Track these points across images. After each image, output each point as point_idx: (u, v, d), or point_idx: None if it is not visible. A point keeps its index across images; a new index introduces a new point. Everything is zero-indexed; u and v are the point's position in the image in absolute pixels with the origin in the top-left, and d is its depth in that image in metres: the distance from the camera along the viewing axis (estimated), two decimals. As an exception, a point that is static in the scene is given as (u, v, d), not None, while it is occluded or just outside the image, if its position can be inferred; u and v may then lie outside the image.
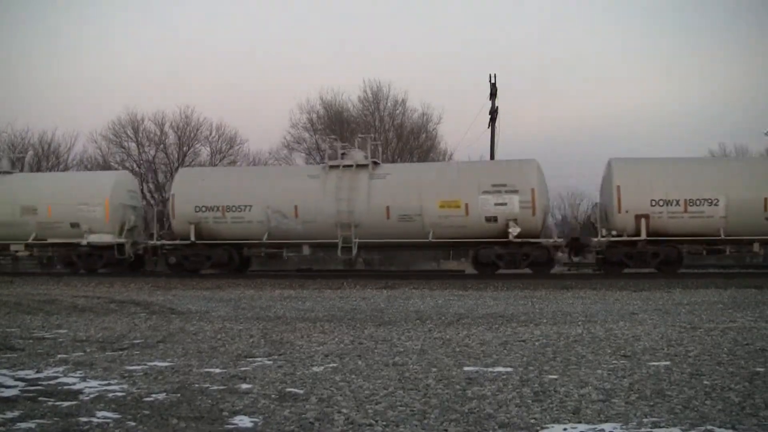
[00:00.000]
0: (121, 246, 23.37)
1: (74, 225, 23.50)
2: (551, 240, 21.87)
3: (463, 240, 21.87)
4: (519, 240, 20.99)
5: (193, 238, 22.60)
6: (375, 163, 22.79)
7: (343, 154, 23.13)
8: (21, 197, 24.02)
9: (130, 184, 26.56)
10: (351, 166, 22.38)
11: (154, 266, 25.27)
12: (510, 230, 20.83)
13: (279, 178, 23.93)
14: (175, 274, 22.88)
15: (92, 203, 23.53)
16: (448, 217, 21.27)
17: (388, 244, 22.86)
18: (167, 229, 24.37)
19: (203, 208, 22.66)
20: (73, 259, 24.01)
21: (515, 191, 21.14)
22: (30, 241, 23.78)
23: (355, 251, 22.08)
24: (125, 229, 23.75)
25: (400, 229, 21.62)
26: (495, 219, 21.10)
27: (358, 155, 22.81)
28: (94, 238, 23.36)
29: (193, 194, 23.01)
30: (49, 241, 23.89)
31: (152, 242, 23.59)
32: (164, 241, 23.64)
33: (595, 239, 21.36)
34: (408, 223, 21.50)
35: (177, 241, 23.22)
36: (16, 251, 24.59)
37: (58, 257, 24.79)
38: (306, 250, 23.21)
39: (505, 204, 21.06)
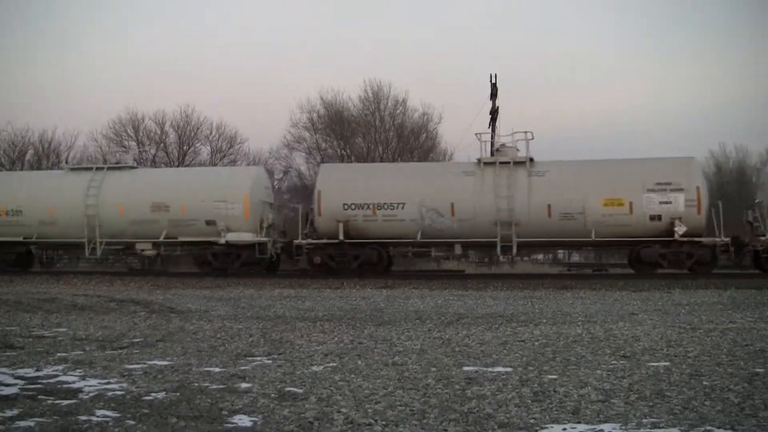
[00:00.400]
0: (262, 245, 22.41)
1: (210, 223, 22.45)
2: (716, 239, 21.10)
3: (625, 239, 21.44)
4: (682, 239, 20.62)
5: (341, 237, 21.76)
6: (531, 160, 22.03)
7: (497, 150, 22.41)
8: (151, 194, 23.03)
9: (266, 180, 25.53)
10: (508, 162, 21.66)
11: (294, 266, 24.36)
12: (676, 229, 20.42)
13: (433, 175, 23.00)
14: (320, 274, 22.02)
15: (230, 200, 22.47)
16: (612, 215, 20.85)
17: (550, 242, 22.38)
18: (310, 227, 22.95)
19: (352, 206, 21.87)
20: (208, 258, 22.99)
21: (680, 189, 20.78)
22: (161, 239, 22.84)
23: (515, 250, 21.52)
24: (263, 227, 22.77)
25: (560, 228, 21.12)
26: (659, 218, 20.73)
27: (511, 151, 22.09)
28: (233, 237, 22.29)
29: (341, 191, 22.19)
30: (181, 239, 22.90)
31: (297, 241, 22.60)
32: (311, 240, 22.51)
33: (763, 238, 20.97)
34: (569, 221, 21.01)
35: (324, 240, 22.26)
36: (143, 250, 23.75)
37: (192, 256, 23.83)
38: (458, 249, 22.57)
39: (670, 202, 20.72)
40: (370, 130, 45.49)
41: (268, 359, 7.70)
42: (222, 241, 22.26)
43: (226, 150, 47.47)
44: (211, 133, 47.32)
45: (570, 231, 21.19)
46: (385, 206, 21.73)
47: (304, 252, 22.86)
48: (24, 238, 23.94)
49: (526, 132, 22.34)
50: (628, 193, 20.92)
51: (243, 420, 5.14)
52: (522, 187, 21.33)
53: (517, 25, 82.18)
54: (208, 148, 47.55)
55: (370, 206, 21.78)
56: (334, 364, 7.32)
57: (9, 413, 5.30)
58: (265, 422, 5.08)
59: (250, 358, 7.77)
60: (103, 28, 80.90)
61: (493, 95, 32.20)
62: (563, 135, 67.65)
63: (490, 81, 32.31)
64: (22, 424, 5.01)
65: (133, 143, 46.72)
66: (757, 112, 69.17)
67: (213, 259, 22.84)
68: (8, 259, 24.64)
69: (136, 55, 75.47)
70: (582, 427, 4.91)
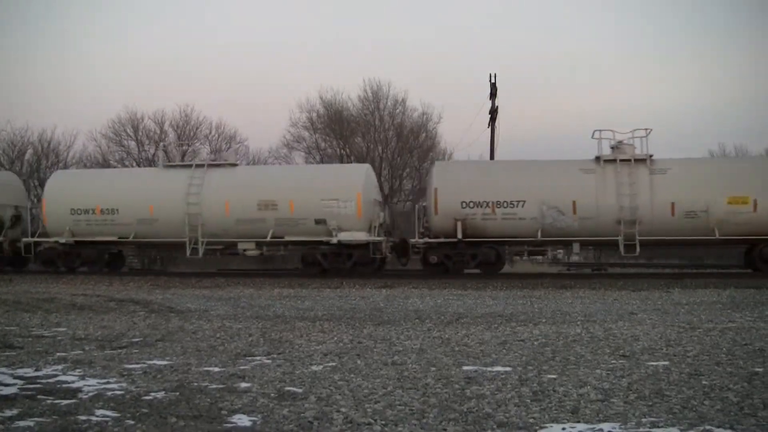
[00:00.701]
0: (376, 244, 21.71)
1: (319, 222, 21.58)
2: None
3: (747, 237, 21.07)
4: None
5: (459, 236, 21.04)
6: (650, 157, 21.62)
7: (615, 147, 21.93)
8: (258, 191, 22.12)
9: (374, 178, 24.66)
10: (628, 160, 21.34)
11: (404, 265, 23.64)
12: None
13: (553, 173, 22.10)
14: (433, 274, 21.47)
15: (343, 198, 21.60)
16: (736, 213, 20.57)
17: (672, 241, 21.85)
18: (424, 226, 22.22)
19: (471, 204, 21.16)
20: (317, 258, 22.09)
21: None
22: (268, 239, 21.89)
23: (638, 249, 21.03)
24: (373, 226, 22.03)
25: (683, 226, 20.78)
26: None
27: (629, 149, 21.72)
28: (345, 236, 21.47)
29: (459, 189, 21.45)
30: (287, 239, 22.02)
31: (414, 240, 22.06)
32: (428, 239, 21.75)
33: None
34: (692, 219, 20.67)
35: (442, 239, 21.53)
36: (245, 250, 22.73)
37: (300, 256, 22.84)
38: (576, 248, 22.22)
39: None
40: (370, 130, 45.46)
41: (268, 359, 7.70)
42: (334, 240, 21.50)
43: (225, 149, 47.46)
44: (210, 132, 47.36)
45: (693, 229, 20.87)
46: (505, 204, 21.16)
47: (414, 251, 22.45)
48: (119, 238, 23.08)
49: (646, 129, 21.99)
50: (753, 191, 20.68)
51: (242, 419, 5.14)
52: (644, 184, 21.01)
53: (516, 25, 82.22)
54: (208, 147, 47.56)
55: (489, 204, 21.16)
56: (334, 364, 7.32)
57: (8, 413, 5.30)
58: (264, 422, 5.08)
59: (249, 358, 7.77)
60: (102, 27, 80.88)
61: (493, 95, 32.28)
62: (562, 135, 67.69)
63: (490, 81, 32.40)
64: (22, 423, 5.01)
65: (133, 143, 46.76)
66: (756, 112, 69.18)
67: (323, 260, 22.04)
68: (101, 260, 23.79)
69: (136, 55, 75.45)
70: (581, 426, 4.91)
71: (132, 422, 5.05)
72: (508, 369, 6.94)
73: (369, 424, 5.00)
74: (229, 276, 22.37)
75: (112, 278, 21.37)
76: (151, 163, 45.14)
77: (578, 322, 10.59)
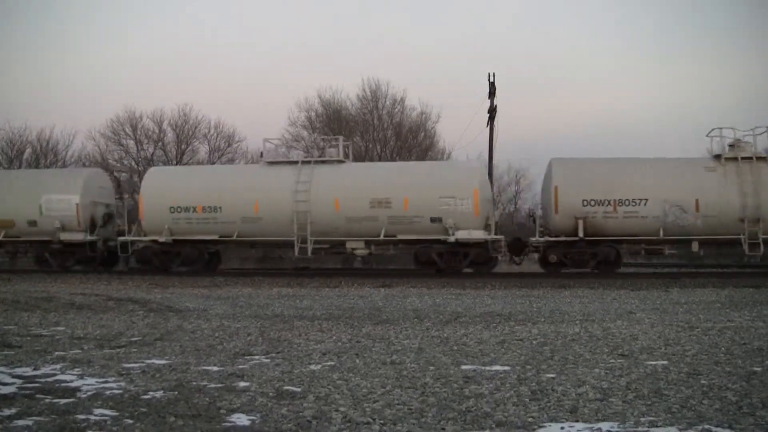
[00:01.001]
0: (495, 243, 21.37)
1: (435, 220, 21.01)
2: None
3: None
4: None
5: (581, 234, 20.84)
6: None
7: (733, 146, 21.79)
8: (370, 189, 21.59)
9: (486, 175, 24.26)
10: (750, 158, 21.20)
11: (516, 264, 23.47)
12: None
13: (675, 171, 21.87)
14: (551, 273, 21.38)
15: (459, 196, 21.04)
16: None
17: None
18: (541, 224, 22.02)
19: (592, 202, 20.97)
20: (432, 257, 21.55)
21: None
22: (381, 237, 21.32)
23: (762, 249, 20.78)
24: (489, 224, 21.52)
25: None
26: None
27: (748, 147, 21.65)
28: (462, 235, 20.91)
29: (579, 187, 21.27)
30: (400, 237, 21.46)
31: (534, 239, 21.70)
32: (549, 238, 21.50)
33: None
34: None
35: (563, 238, 21.30)
36: (354, 249, 22.27)
37: (414, 255, 22.18)
38: (695, 247, 21.81)
39: None
40: (368, 129, 45.52)
41: (267, 358, 7.70)
42: (452, 239, 20.96)
43: (224, 149, 47.53)
44: (209, 131, 47.41)
45: None
46: (627, 202, 20.94)
47: (531, 250, 22.27)
48: (220, 237, 22.50)
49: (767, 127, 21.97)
50: None
51: (241, 419, 5.14)
52: (767, 182, 20.95)
53: (516, 25, 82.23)
54: (206, 146, 47.61)
55: (611, 202, 20.92)
56: (333, 363, 7.32)
57: (7, 412, 5.29)
58: (263, 421, 5.08)
59: (248, 357, 7.77)
60: (101, 27, 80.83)
61: (492, 94, 32.27)
62: (562, 134, 67.74)
63: (489, 80, 32.41)
64: (20, 423, 5.00)
65: (131, 142, 46.79)
66: (757, 112, 69.21)
67: (438, 259, 21.52)
68: (202, 259, 23.19)
69: (135, 54, 75.41)
70: (580, 425, 4.91)
71: (131, 421, 5.05)
72: (506, 368, 6.94)
73: (368, 423, 5.00)
74: (228, 275, 22.34)
75: (110, 277, 21.36)
76: (150, 162, 45.15)
77: (577, 322, 10.60)
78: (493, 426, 4.91)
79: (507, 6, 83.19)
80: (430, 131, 46.62)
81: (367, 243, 21.87)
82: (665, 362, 7.18)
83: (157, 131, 47.01)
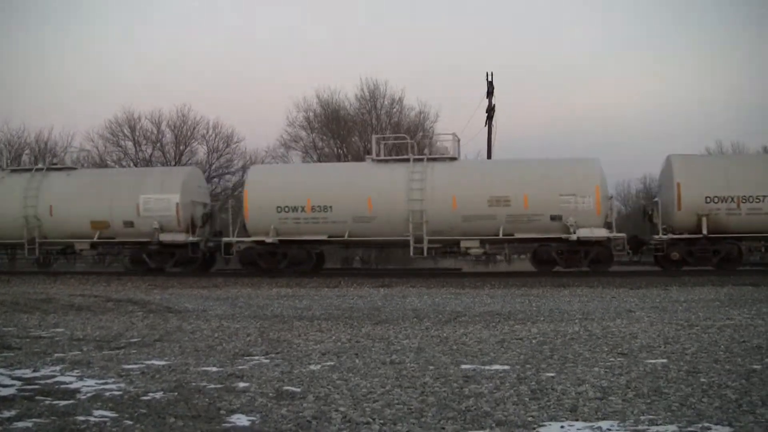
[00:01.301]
0: (617, 241, 20.86)
1: (555, 218, 20.51)
2: None
3: None
4: None
5: (705, 232, 20.50)
6: None
7: None
8: (488, 186, 20.97)
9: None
10: None
11: (633, 261, 22.88)
12: None
13: None
14: (674, 271, 20.88)
15: (581, 193, 20.53)
16: None
17: None
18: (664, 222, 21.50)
19: (715, 199, 20.55)
20: (552, 256, 21.00)
21: None
22: (500, 236, 20.70)
23: None
24: (608, 221, 21.10)
25: None
26: None
27: None
28: (584, 233, 20.43)
29: (701, 183, 20.78)
30: (518, 236, 20.89)
31: (658, 237, 21.05)
32: (672, 236, 20.94)
33: None
34: None
35: (685, 235, 20.83)
36: (468, 248, 21.63)
37: (534, 254, 21.63)
38: None
39: None
40: (367, 129, 45.43)
41: (266, 358, 7.70)
42: (573, 237, 20.45)
43: (222, 149, 47.48)
44: (207, 132, 47.31)
45: None
46: (750, 199, 20.54)
47: (651, 248, 21.79)
48: (329, 237, 21.65)
49: None
50: None
51: (241, 419, 5.14)
52: None
53: (515, 24, 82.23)
54: (205, 147, 47.56)
55: (734, 199, 20.53)
56: (332, 363, 7.32)
57: (7, 414, 5.29)
58: (263, 421, 5.08)
59: (247, 358, 7.77)
60: (100, 27, 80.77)
61: (490, 93, 32.27)
62: (560, 133, 67.73)
63: (487, 79, 32.40)
64: (20, 424, 5.00)
65: (130, 143, 46.74)
66: (753, 109, 69.26)
67: (558, 257, 20.97)
68: (311, 260, 22.25)
69: (134, 55, 75.37)
70: (580, 424, 4.91)
71: (130, 422, 5.05)
72: (506, 367, 6.94)
73: (367, 423, 5.00)
74: (227, 276, 22.31)
75: (110, 278, 21.34)
76: (148, 163, 45.15)
77: (576, 321, 10.60)
78: (493, 425, 4.91)
79: (506, 5, 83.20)
80: (429, 131, 46.59)
81: (482, 242, 21.32)
82: (665, 360, 7.18)
83: (155, 132, 46.96)
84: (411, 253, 21.45)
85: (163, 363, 7.45)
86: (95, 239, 23.01)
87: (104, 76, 71.83)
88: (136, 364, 7.41)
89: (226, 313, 12.48)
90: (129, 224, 22.67)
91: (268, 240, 21.60)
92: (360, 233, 21.48)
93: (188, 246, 22.60)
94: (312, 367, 7.14)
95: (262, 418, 5.17)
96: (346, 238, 21.46)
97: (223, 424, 5.02)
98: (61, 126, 79.88)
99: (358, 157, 42.92)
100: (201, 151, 47.64)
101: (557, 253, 20.99)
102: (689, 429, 4.75)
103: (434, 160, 22.00)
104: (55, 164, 27.32)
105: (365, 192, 21.32)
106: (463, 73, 69.35)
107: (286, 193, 21.73)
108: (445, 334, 9.33)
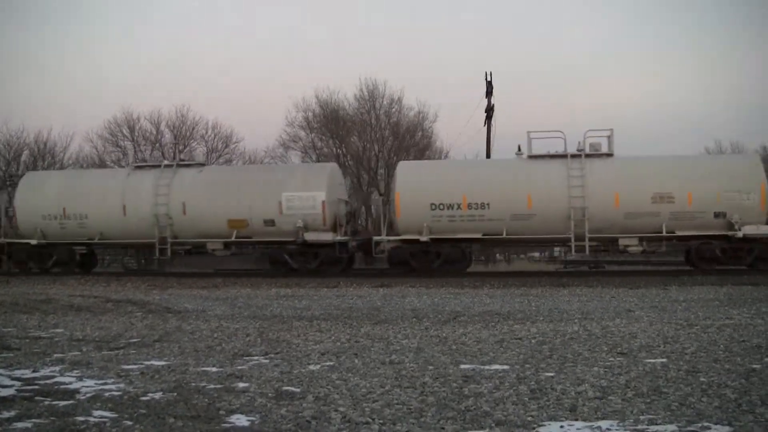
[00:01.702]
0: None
1: (718, 215, 20.08)
2: None
3: None
4: None
5: None
6: None
7: None
8: (653, 183, 20.45)
9: None
10: None
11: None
12: None
13: None
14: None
15: (745, 189, 20.12)
16: None
17: None
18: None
19: None
20: (715, 253, 20.44)
21: None
22: (663, 233, 20.20)
23: None
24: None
25: None
26: None
27: None
28: (750, 230, 19.96)
29: None
30: (678, 233, 20.36)
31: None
32: None
33: None
34: None
35: None
36: (627, 246, 20.94)
37: (692, 250, 20.99)
38: None
39: None
40: (366, 129, 45.46)
41: (265, 359, 7.70)
42: (739, 234, 19.92)
43: (221, 150, 47.49)
44: (206, 132, 47.32)
45: None
46: None
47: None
48: (484, 235, 20.92)
49: None
50: None
51: (240, 419, 5.14)
52: None
53: (515, 24, 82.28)
54: (204, 147, 47.56)
55: None
56: (331, 363, 7.32)
57: (6, 414, 5.29)
58: (262, 421, 5.08)
59: (247, 358, 7.77)
60: (99, 27, 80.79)
61: (489, 93, 32.28)
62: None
63: (486, 79, 32.41)
64: (20, 425, 5.00)
65: (129, 143, 46.73)
66: (753, 109, 69.33)
67: (722, 255, 20.44)
68: (465, 258, 21.73)
69: (133, 55, 75.40)
70: (579, 424, 4.92)
71: (130, 423, 5.05)
72: (505, 367, 6.95)
73: (367, 423, 5.00)
74: (226, 276, 22.27)
75: (109, 279, 21.32)
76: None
77: (576, 320, 10.60)
78: (493, 425, 4.92)
79: (506, 5, 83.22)
80: (428, 131, 46.60)
81: (641, 240, 20.86)
82: (664, 360, 7.18)
83: (154, 132, 46.98)
84: (572, 252, 21.16)
85: (162, 363, 7.45)
86: (233, 239, 22.02)
87: (104, 76, 71.88)
88: (135, 364, 7.41)
89: (225, 314, 12.47)
90: (270, 223, 21.65)
91: (422, 238, 20.95)
92: (517, 231, 21.03)
93: (335, 245, 21.57)
94: (311, 367, 7.14)
95: (262, 418, 5.17)
96: (504, 236, 21.01)
97: (223, 425, 5.02)
98: (61, 126, 79.80)
99: (358, 157, 42.99)
100: (200, 152, 47.64)
101: (720, 250, 20.46)
102: (689, 428, 4.76)
103: (591, 156, 21.40)
104: (184, 160, 26.31)
105: (524, 189, 20.81)
106: (462, 73, 69.45)
107: (440, 190, 21.13)
108: (444, 334, 9.33)
